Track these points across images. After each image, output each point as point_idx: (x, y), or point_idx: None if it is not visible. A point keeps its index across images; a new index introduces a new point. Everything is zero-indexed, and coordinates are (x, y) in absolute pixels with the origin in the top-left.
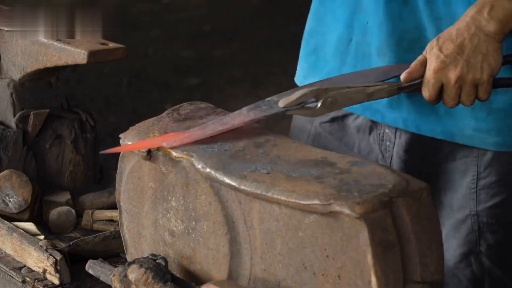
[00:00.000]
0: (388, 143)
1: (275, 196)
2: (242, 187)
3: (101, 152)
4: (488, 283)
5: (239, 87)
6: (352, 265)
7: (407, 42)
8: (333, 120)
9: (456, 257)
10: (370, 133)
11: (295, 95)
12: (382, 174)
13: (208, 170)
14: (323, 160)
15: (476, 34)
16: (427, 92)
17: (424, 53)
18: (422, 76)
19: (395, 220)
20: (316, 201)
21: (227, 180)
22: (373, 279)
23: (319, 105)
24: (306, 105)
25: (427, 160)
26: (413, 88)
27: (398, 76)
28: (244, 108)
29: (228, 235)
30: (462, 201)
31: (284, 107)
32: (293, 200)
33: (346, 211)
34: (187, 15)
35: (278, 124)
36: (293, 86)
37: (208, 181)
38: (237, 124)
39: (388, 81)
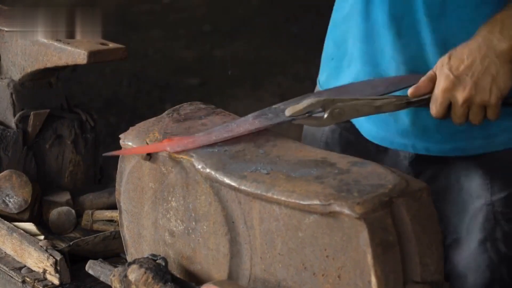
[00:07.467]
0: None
1: (275, 196)
2: (242, 187)
3: (104, 154)
4: (506, 268)
5: (239, 87)
6: (352, 265)
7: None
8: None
9: (475, 242)
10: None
11: (302, 104)
12: (382, 174)
13: (208, 170)
14: (323, 160)
15: (487, 56)
16: (434, 110)
17: (434, 68)
18: (430, 92)
19: (395, 220)
20: (316, 201)
21: (227, 180)
22: (373, 279)
23: (326, 115)
24: (313, 115)
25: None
26: (422, 103)
27: (407, 87)
28: (250, 116)
29: (228, 235)
30: (478, 191)
31: (290, 116)
32: (293, 200)
33: (346, 211)
34: (187, 15)
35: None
36: (292, 86)
37: (208, 181)
38: (242, 132)
39: (396, 93)
